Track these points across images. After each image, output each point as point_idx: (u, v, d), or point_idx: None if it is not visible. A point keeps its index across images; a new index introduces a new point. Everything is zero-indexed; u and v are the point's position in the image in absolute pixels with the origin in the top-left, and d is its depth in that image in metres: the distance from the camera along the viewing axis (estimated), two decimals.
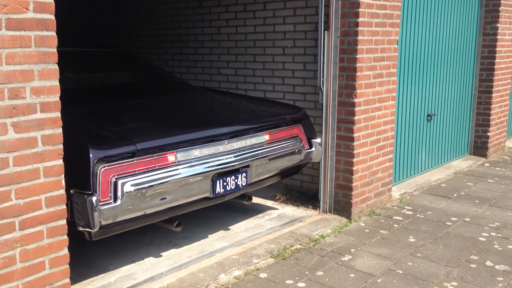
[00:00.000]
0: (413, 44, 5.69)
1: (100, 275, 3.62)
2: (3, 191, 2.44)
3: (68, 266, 2.76)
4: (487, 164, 6.86)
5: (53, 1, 2.56)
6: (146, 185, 3.28)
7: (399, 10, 5.03)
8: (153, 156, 3.39)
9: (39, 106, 2.55)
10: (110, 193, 3.12)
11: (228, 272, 3.70)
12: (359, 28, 4.57)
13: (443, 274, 3.69)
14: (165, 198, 3.43)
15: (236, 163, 3.90)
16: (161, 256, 3.94)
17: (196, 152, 3.68)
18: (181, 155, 3.57)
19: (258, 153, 4.12)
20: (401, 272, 3.73)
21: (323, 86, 4.79)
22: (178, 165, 3.53)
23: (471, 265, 3.83)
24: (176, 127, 3.83)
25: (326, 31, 4.73)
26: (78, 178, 3.03)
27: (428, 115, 6.16)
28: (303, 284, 3.54)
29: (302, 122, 4.62)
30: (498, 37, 7.02)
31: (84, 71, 4.92)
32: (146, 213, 3.37)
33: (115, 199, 3.14)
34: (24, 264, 2.56)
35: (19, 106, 2.47)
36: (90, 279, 3.54)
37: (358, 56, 4.60)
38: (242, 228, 4.51)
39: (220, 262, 3.85)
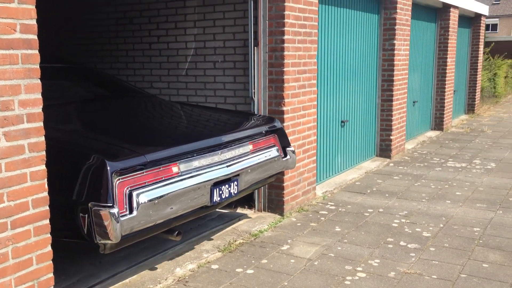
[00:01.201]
0: (328, 58, 6.42)
1: (63, 277, 3.86)
2: None
3: (51, 262, 3.02)
4: (391, 164, 7.77)
5: (36, 23, 2.86)
6: (158, 196, 3.39)
7: (316, 29, 5.71)
8: (160, 168, 3.49)
9: (26, 116, 2.83)
10: (126, 205, 3.21)
11: (183, 266, 4.10)
12: (285, 45, 5.17)
13: (367, 254, 4.34)
14: (172, 208, 3.53)
15: (231, 172, 4.06)
16: (120, 256, 4.24)
17: (196, 162, 3.81)
18: (183, 166, 3.69)
19: (246, 162, 4.29)
20: (333, 255, 4.33)
21: (254, 96, 5.33)
22: (181, 175, 3.64)
23: (389, 246, 4.53)
24: (175, 139, 3.96)
25: (255, 47, 5.29)
26: (96, 192, 3.12)
27: (341, 122, 6.92)
28: (251, 271, 4.02)
29: (277, 132, 4.83)
30: (395, 52, 8.00)
31: (63, 86, 5.01)
32: (156, 223, 3.46)
33: (131, 211, 3.23)
34: (16, 261, 2.81)
35: (9, 117, 2.74)
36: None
37: (285, 69, 5.20)
38: (188, 229, 4.91)
39: (174, 258, 4.23)
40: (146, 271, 4.00)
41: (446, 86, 10.91)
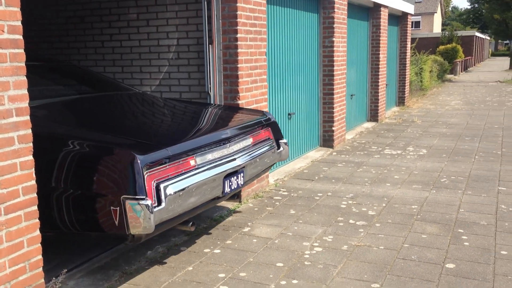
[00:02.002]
0: (275, 55, 6.85)
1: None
2: None
3: (40, 244, 3.23)
4: (334, 153, 8.32)
5: (21, 24, 3.06)
6: (181, 188, 3.53)
7: (265, 27, 6.11)
8: (180, 161, 3.63)
9: (15, 111, 3.03)
10: (154, 197, 3.33)
11: (154, 249, 4.38)
12: (238, 43, 5.54)
13: (321, 232, 4.80)
14: (192, 199, 3.68)
15: (240, 164, 4.23)
16: (92, 243, 4.45)
17: (209, 155, 3.96)
18: (199, 159, 3.84)
19: (250, 155, 4.45)
20: (290, 234, 4.75)
21: (210, 91, 5.66)
22: (197, 168, 3.79)
23: (339, 224, 5.01)
24: (189, 134, 4.11)
25: (210, 45, 5.61)
26: (129, 185, 3.24)
27: (288, 114, 7.38)
28: (218, 251, 4.37)
29: (271, 125, 4.99)
30: (334, 48, 8.55)
31: (64, 84, 5.09)
32: (178, 214, 3.59)
33: (159, 203, 3.35)
34: (9, 244, 3.01)
35: (0, 112, 2.94)
36: None
37: (239, 65, 5.56)
38: None
39: (143, 243, 4.50)
40: (119, 255, 4.25)
41: (380, 80, 11.66)
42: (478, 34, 44.61)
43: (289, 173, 6.96)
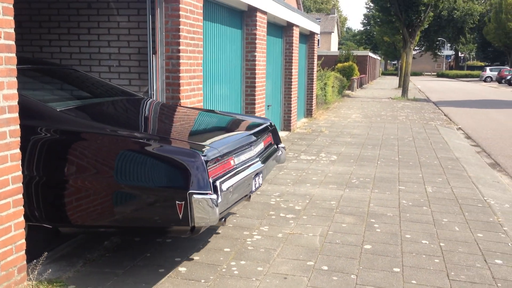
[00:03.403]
0: (207, 67, 7.45)
1: None
2: None
3: (23, 230, 3.57)
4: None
5: (14, 31, 3.42)
6: (230, 184, 3.85)
7: (202, 41, 6.71)
8: (224, 161, 3.95)
9: (7, 108, 3.38)
10: (213, 192, 3.61)
11: (110, 240, 4.78)
12: (180, 54, 6.08)
13: (258, 223, 5.46)
14: (235, 196, 3.95)
15: (264, 165, 4.57)
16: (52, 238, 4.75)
17: (242, 157, 4.30)
18: (236, 160, 4.16)
19: (266, 157, 4.81)
20: (231, 225, 5.35)
21: (153, 97, 6.13)
22: (236, 168, 4.09)
23: (272, 217, 5.70)
24: (225, 136, 4.43)
25: (154, 55, 6.10)
26: (195, 182, 3.52)
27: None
28: (170, 240, 4.86)
29: (272, 131, 5.33)
30: (256, 62, 9.33)
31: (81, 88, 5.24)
32: (225, 209, 3.85)
33: (217, 197, 3.61)
34: (0, 227, 3.34)
35: None
36: None
37: (180, 74, 6.10)
38: None
39: (100, 235, 4.88)
40: (79, 245, 4.60)
41: (292, 93, 12.64)
42: (371, 54, 48.10)
43: None
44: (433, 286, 4.02)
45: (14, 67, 3.44)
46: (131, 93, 5.54)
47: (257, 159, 4.59)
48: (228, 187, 3.83)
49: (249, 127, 4.98)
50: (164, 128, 4.61)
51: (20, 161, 3.52)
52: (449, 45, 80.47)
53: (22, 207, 3.55)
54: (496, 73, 54.84)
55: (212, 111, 5.65)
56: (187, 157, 3.58)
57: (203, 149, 3.74)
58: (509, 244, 5.00)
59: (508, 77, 48.00)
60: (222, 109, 8.26)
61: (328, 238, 5.04)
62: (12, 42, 3.41)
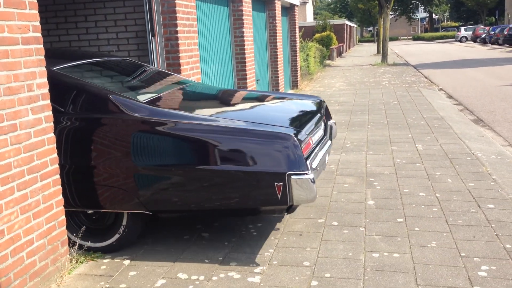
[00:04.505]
0: (201, 46, 7.71)
1: None
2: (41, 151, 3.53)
3: (63, 207, 3.88)
4: None
5: (39, 24, 3.68)
6: (316, 163, 4.09)
7: (196, 21, 6.97)
8: (307, 141, 4.17)
9: (41, 96, 3.66)
10: None
11: None
12: (178, 35, 6.35)
13: None
14: (317, 174, 4.14)
15: (330, 143, 4.94)
16: None
17: (316, 136, 4.55)
18: (313, 139, 4.41)
19: (330, 133, 5.13)
20: None
21: None
22: (314, 147, 4.34)
23: None
24: (301, 118, 4.60)
25: (153, 38, 6.36)
26: (294, 162, 3.72)
27: None
28: None
29: (326, 108, 5.54)
30: (244, 38, 9.59)
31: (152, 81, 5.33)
32: None
33: (313, 176, 3.81)
34: (45, 205, 3.65)
35: (33, 97, 3.56)
36: None
37: (180, 55, 6.37)
38: None
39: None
40: None
41: (278, 66, 12.94)
42: (347, 22, 48.36)
43: None
44: (434, 231, 4.45)
45: (43, 57, 3.70)
46: (180, 77, 5.73)
47: (326, 136, 4.82)
48: (315, 166, 4.06)
49: (312, 106, 5.19)
50: (249, 113, 4.72)
51: (55, 144, 3.81)
52: (422, 7, 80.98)
53: (60, 187, 3.86)
54: (471, 32, 55.67)
55: (269, 92, 5.85)
56: (284, 140, 3.79)
57: (295, 132, 3.95)
58: (499, 190, 5.46)
59: (483, 36, 48.76)
60: (217, 85, 8.55)
61: (333, 198, 5.44)
62: (39, 34, 3.66)
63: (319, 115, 4.93)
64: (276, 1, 12.72)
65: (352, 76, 20.75)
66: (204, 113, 4.35)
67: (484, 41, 47.95)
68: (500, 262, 3.83)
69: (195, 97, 5.24)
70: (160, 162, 3.94)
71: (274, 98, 5.49)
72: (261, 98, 5.44)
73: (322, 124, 5.04)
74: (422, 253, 4.03)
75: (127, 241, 4.29)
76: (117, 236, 4.25)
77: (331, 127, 5.35)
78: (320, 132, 4.79)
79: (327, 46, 31.95)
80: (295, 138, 3.81)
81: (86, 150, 4.02)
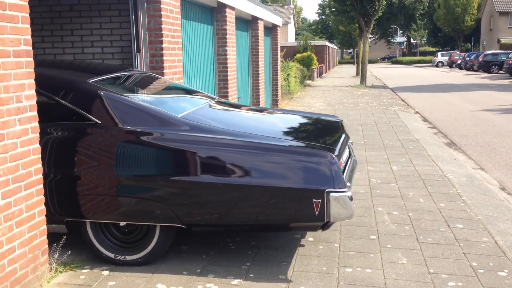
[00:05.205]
0: (185, 63, 7.87)
1: None
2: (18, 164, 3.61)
3: (45, 217, 3.95)
4: None
5: (30, 38, 3.79)
6: (349, 181, 4.21)
7: (181, 38, 7.13)
8: (340, 160, 4.22)
9: (29, 107, 3.76)
10: None
11: None
12: (163, 51, 6.49)
13: None
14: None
15: (355, 158, 5.14)
16: None
17: (344, 155, 4.62)
18: (343, 157, 4.50)
19: (352, 150, 5.25)
20: None
21: None
22: (345, 167, 4.44)
23: None
24: (330, 138, 4.75)
25: (138, 54, 6.49)
26: (332, 180, 3.81)
27: None
28: None
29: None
30: (227, 56, 9.78)
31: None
32: None
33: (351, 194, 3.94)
34: (27, 214, 3.72)
35: (21, 108, 3.66)
36: None
37: (164, 71, 6.51)
38: None
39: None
40: None
41: (260, 84, 13.16)
42: (328, 43, 49.15)
43: None
44: (405, 248, 4.64)
45: (33, 70, 3.81)
46: (202, 92, 5.84)
47: (352, 155, 4.93)
48: (350, 184, 4.18)
49: (337, 125, 5.34)
50: (285, 131, 4.86)
51: (40, 155, 3.90)
52: (401, 32, 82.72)
53: (43, 196, 3.94)
54: (447, 58, 56.95)
55: (291, 111, 6.06)
56: (323, 158, 3.90)
57: (333, 149, 4.11)
58: (468, 211, 5.69)
59: (459, 62, 49.99)
60: None
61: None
62: (30, 48, 3.78)
63: (345, 134, 5.03)
64: (259, 21, 12.99)
65: (331, 96, 21.11)
66: (242, 129, 4.43)
67: (459, 67, 49.13)
68: (466, 279, 4.01)
69: (226, 113, 5.32)
70: (200, 179, 3.98)
71: (302, 117, 5.63)
72: (286, 116, 5.60)
73: (349, 142, 5.12)
74: (393, 269, 4.20)
75: (159, 254, 4.28)
76: (149, 249, 4.23)
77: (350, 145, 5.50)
78: (347, 151, 4.88)
79: (307, 66, 32.40)
80: (334, 156, 3.91)
81: (124, 163, 4.05)
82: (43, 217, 3.95)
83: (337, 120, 5.61)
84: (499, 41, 52.43)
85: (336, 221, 3.94)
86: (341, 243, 4.76)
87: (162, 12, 6.40)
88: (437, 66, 58.84)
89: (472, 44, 67.74)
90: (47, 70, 4.65)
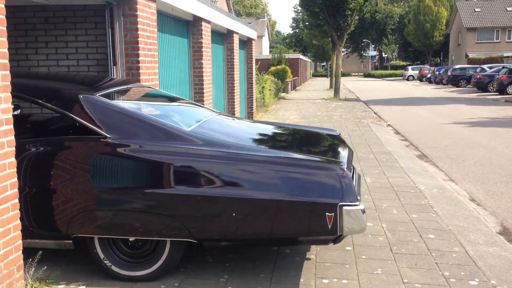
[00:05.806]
0: (161, 75, 7.88)
1: None
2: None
3: (20, 232, 3.90)
4: None
5: (7, 52, 3.78)
6: (359, 195, 4.18)
7: (157, 51, 7.15)
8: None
9: (4, 121, 3.73)
10: None
11: None
12: (140, 65, 6.50)
13: None
14: None
15: (356, 171, 5.00)
16: None
17: (350, 167, 4.51)
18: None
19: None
20: None
21: None
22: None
23: None
24: (336, 150, 4.83)
25: (114, 66, 6.49)
26: (345, 193, 3.82)
27: None
28: None
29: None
30: (203, 69, 9.83)
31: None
32: None
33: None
34: (2, 229, 3.68)
35: None
36: None
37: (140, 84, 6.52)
38: None
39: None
40: None
41: (235, 97, 13.23)
42: (302, 57, 49.69)
43: None
44: (380, 259, 4.73)
45: (9, 83, 3.79)
46: (204, 106, 5.91)
47: (355, 169, 4.94)
48: (359, 197, 4.17)
49: (340, 139, 5.40)
50: (291, 145, 4.91)
51: (15, 169, 3.87)
52: (373, 46, 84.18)
53: (18, 211, 3.89)
54: (418, 71, 58.15)
55: (289, 125, 6.12)
56: (336, 171, 3.92)
57: (344, 163, 4.14)
58: (439, 221, 5.83)
59: (429, 75, 51.08)
60: None
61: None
62: (7, 61, 3.76)
63: (348, 147, 5.04)
64: (234, 35, 13.09)
65: (306, 109, 21.31)
66: (252, 143, 4.44)
67: (429, 81, 50.18)
68: None
69: (233, 127, 5.31)
70: (213, 193, 3.95)
71: (302, 130, 5.69)
72: (286, 129, 5.69)
73: (352, 156, 5.17)
74: (369, 279, 4.28)
75: (168, 269, 4.25)
76: (159, 264, 4.20)
77: None
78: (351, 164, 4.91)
79: (282, 79, 32.68)
80: (345, 169, 3.96)
81: (136, 177, 4.03)
82: (19, 232, 3.90)
83: (336, 134, 5.66)
84: (467, 56, 53.83)
85: (348, 234, 3.95)
86: (317, 255, 4.82)
87: (138, 26, 6.42)
88: (407, 79, 59.98)
89: (441, 58, 69.34)
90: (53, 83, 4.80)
